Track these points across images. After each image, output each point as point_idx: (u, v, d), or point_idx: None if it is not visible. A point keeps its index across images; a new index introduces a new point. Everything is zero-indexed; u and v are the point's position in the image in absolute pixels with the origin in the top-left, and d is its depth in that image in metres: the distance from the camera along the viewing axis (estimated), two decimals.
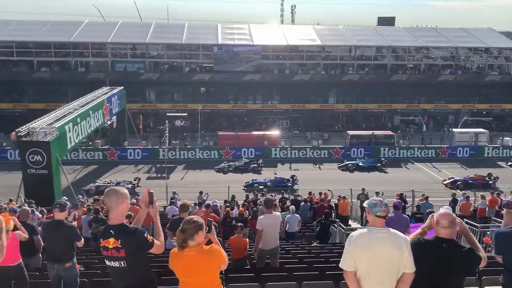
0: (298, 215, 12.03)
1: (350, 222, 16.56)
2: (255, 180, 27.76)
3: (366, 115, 46.12)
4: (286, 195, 18.81)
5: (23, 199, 16.16)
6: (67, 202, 6.89)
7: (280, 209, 12.37)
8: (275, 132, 38.72)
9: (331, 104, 45.73)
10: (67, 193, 21.40)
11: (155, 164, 32.60)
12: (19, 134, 20.40)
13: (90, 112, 26.62)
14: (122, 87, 33.92)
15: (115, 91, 32.27)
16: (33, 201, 15.63)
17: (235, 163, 31.89)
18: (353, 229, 11.81)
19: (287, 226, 11.45)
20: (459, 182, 27.36)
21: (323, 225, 11.41)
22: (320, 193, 17.42)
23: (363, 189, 18.32)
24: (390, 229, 3.42)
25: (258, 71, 42.97)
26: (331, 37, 46.39)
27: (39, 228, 7.40)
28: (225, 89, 44.20)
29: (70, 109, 25.72)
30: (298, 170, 31.47)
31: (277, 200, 14.95)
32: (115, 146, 34.49)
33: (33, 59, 41.99)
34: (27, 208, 8.14)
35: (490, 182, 27.41)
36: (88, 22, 46.74)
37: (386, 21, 56.30)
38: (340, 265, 3.43)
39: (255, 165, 31.64)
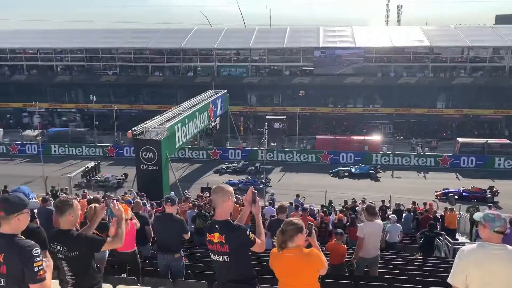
0: (399, 225, 11.45)
1: (457, 236, 15.32)
2: (231, 180, 26.71)
3: (479, 121, 42.23)
4: (386, 204, 18.02)
5: (135, 192, 17.63)
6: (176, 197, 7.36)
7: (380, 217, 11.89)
8: (376, 137, 37.25)
9: (439, 109, 42.75)
10: (174, 188, 22.95)
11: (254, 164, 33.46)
12: (134, 133, 22.34)
13: (197, 113, 28.23)
14: (225, 91, 35.45)
15: (219, 94, 33.85)
16: (144, 195, 16.99)
17: (234, 165, 31.94)
18: (461, 244, 10.96)
19: (388, 235, 10.95)
20: (450, 194, 24.55)
21: (428, 237, 10.72)
22: (425, 203, 16.39)
23: (474, 201, 16.82)
24: (508, 246, 3.10)
25: (359, 73, 41.84)
26: (441, 37, 43.42)
27: (151, 219, 8.05)
28: (324, 92, 43.79)
29: (179, 111, 27.54)
30: (400, 178, 29.98)
31: (377, 208, 14.38)
32: (217, 146, 36.16)
33: (148, 65, 45.97)
34: (140, 200, 8.88)
35: (488, 196, 24.19)
36: (196, 29, 49.75)
37: (506, 19, 51.02)
38: (448, 280, 3.21)
39: (252, 167, 31.38)
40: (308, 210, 12.22)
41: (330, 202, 19.43)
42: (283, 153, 35.00)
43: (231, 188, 3.66)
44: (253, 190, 3.76)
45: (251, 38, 45.30)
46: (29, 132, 39.05)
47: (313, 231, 3.84)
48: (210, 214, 10.75)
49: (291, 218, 3.66)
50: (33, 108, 40.87)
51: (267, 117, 38.48)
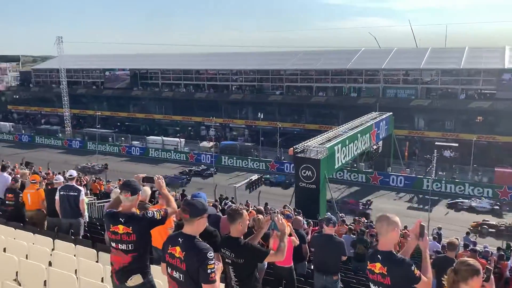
0: None
1: None
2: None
3: None
4: None
5: (291, 209, 18.01)
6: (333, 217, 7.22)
7: None
8: None
9: None
10: (329, 208, 22.78)
11: (417, 194, 31.06)
12: (295, 150, 23.00)
13: (358, 135, 27.65)
14: (390, 113, 33.98)
15: (383, 116, 32.60)
16: (301, 211, 17.22)
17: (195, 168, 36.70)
18: None
19: None
20: None
21: None
22: None
23: None
24: None
25: None
26: None
27: (307, 237, 8.04)
28: (508, 120, 38.35)
29: (340, 131, 27.38)
30: None
31: None
32: (378, 171, 34.72)
33: (312, 85, 47.24)
34: (300, 218, 8.96)
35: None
36: (364, 50, 49.23)
37: None
38: None
39: (209, 171, 35.18)
40: (481, 251, 10.71)
41: (509, 245, 16.72)
42: (453, 184, 31.65)
43: (397, 219, 3.39)
44: (422, 223, 3.41)
45: (422, 59, 42.74)
46: (205, 144, 43.85)
47: (492, 277, 3.26)
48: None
49: (466, 258, 3.17)
50: (210, 123, 45.74)
51: (436, 143, 35.54)
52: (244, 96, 49.86)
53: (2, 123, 54.82)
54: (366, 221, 16.08)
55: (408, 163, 37.84)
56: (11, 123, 54.89)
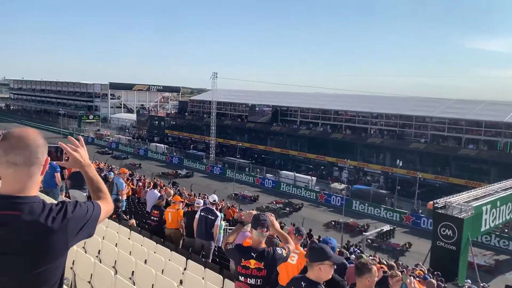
0: None
1: None
2: None
3: None
4: None
5: (425, 269, 16.42)
6: None
7: None
8: None
9: None
10: (469, 275, 20.20)
11: None
12: (435, 205, 21.13)
13: None
14: None
15: None
16: (439, 274, 15.61)
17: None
18: None
19: None
20: None
21: None
22: None
23: None
24: None
25: None
26: None
27: None
28: None
29: (491, 190, 24.40)
30: None
31: None
32: None
33: (462, 136, 43.31)
34: (433, 281, 8.12)
35: None
36: None
37: None
38: None
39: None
40: None
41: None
42: None
43: None
44: None
45: None
46: (336, 185, 43.12)
47: None
48: None
49: None
50: (344, 164, 44.97)
51: None
52: (383, 140, 48.10)
53: (158, 144, 62.11)
54: None
55: None
56: (165, 146, 61.76)
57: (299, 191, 42.98)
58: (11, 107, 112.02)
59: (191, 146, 64.46)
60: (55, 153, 1.87)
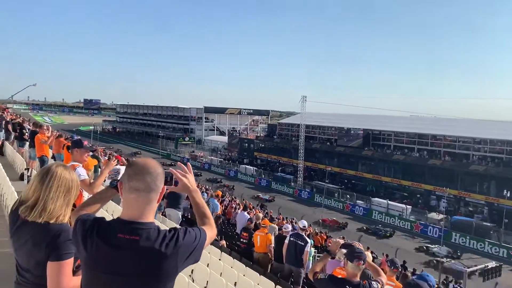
0: None
1: None
2: None
3: None
4: None
5: None
6: None
7: None
8: None
9: None
10: None
11: None
12: None
13: None
14: None
15: None
16: None
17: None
18: None
19: None
20: None
21: None
22: None
23: None
24: None
25: None
26: None
27: None
28: None
29: None
30: None
31: None
32: None
33: None
34: None
35: None
36: None
37: None
38: None
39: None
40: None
41: None
42: None
43: None
44: None
45: None
46: (433, 215, 40.16)
47: None
48: None
49: None
50: (442, 193, 41.84)
51: None
52: (487, 168, 43.96)
53: (248, 166, 63.49)
54: None
55: None
56: (254, 168, 62.95)
57: (392, 219, 40.77)
58: (117, 129, 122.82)
59: (279, 169, 64.86)
60: (166, 178, 1.97)
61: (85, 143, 5.20)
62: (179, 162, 2.41)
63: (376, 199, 45.20)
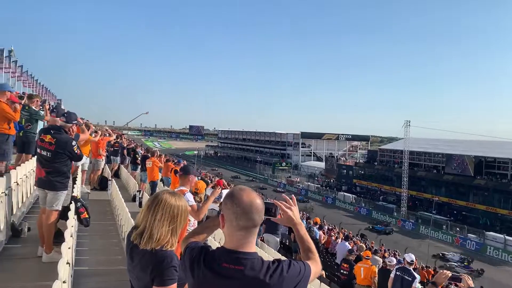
0: None
1: None
2: None
3: None
4: None
5: None
6: None
7: None
8: None
9: None
10: None
11: None
12: None
13: None
14: None
15: None
16: None
17: None
18: None
19: None
20: None
21: None
22: None
23: None
24: None
25: None
26: None
27: None
28: None
29: None
30: None
31: None
32: None
33: None
34: None
35: None
36: None
37: None
38: None
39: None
40: None
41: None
42: None
43: None
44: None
45: None
46: None
47: None
48: None
49: None
50: None
51: None
52: None
53: (346, 194, 61.66)
54: None
55: None
56: (353, 195, 60.91)
57: (510, 257, 36.24)
58: (219, 154, 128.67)
59: (381, 197, 61.98)
60: (271, 210, 2.00)
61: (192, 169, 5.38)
62: (283, 194, 2.36)
63: (491, 233, 40.61)
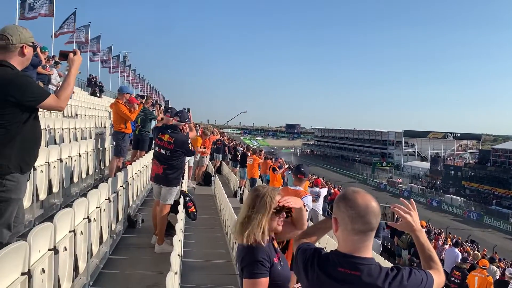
0: None
1: None
2: None
3: None
4: None
5: None
6: None
7: None
8: None
9: None
10: None
11: None
12: None
13: None
14: None
15: None
16: None
17: None
18: None
19: None
20: None
21: None
22: None
23: None
24: None
25: None
26: None
27: None
28: None
29: None
30: None
31: None
32: None
33: None
34: None
35: None
36: None
37: None
38: None
39: None
40: None
41: None
42: None
43: None
44: None
45: None
46: None
47: None
48: None
49: None
50: None
51: None
52: None
53: (454, 197, 57.08)
54: None
55: None
56: (462, 198, 56.23)
57: None
58: (315, 152, 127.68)
59: (494, 201, 56.32)
60: (388, 214, 1.85)
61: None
62: (401, 198, 2.23)
63: None
